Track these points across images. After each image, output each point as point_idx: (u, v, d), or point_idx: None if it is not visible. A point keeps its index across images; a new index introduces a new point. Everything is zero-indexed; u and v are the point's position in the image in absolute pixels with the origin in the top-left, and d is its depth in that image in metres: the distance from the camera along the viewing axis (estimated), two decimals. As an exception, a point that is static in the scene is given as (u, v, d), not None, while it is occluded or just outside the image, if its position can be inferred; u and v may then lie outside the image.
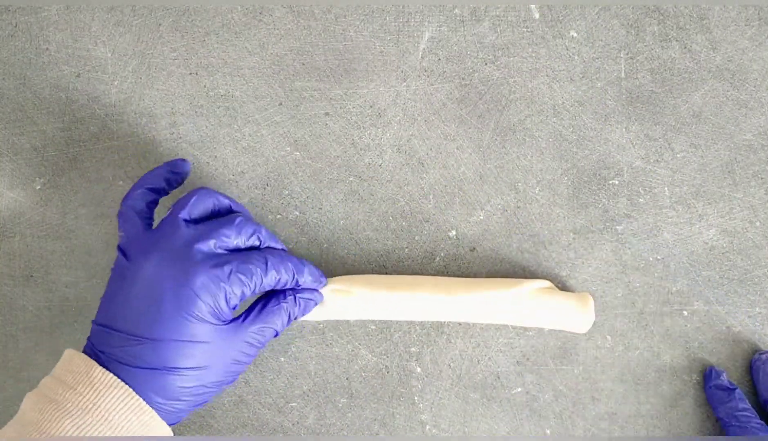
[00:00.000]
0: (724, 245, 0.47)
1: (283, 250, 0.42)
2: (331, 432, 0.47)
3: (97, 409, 0.36)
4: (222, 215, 0.41)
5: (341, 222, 0.48)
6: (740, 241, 0.47)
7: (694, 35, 0.47)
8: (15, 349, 0.48)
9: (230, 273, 0.38)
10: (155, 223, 0.41)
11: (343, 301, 0.44)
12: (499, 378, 0.47)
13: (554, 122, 0.47)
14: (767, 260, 0.47)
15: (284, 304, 0.41)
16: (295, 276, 0.41)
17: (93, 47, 0.48)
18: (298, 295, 0.42)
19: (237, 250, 0.40)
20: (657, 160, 0.47)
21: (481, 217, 0.47)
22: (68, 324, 0.48)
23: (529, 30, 0.47)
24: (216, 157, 0.48)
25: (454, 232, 0.47)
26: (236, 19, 0.48)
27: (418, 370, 0.47)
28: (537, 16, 0.47)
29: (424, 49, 0.48)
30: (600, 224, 0.47)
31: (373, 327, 0.47)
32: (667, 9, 0.47)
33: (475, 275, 0.47)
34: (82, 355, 0.38)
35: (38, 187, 0.48)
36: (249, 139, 0.48)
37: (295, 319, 0.42)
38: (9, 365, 0.48)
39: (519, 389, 0.47)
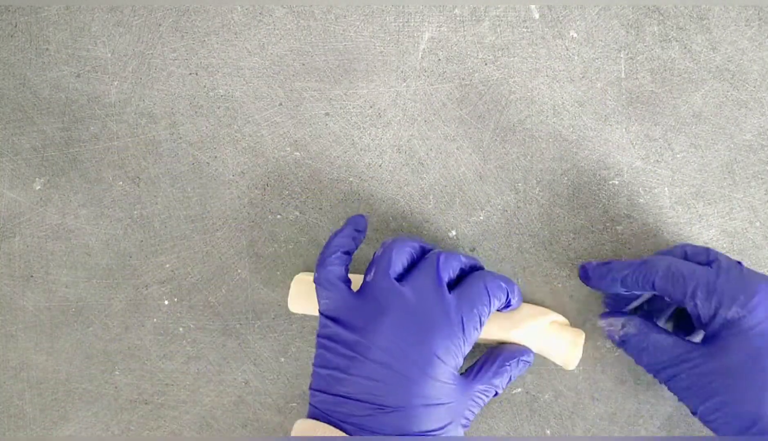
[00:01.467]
0: (724, 245, 0.47)
1: (481, 267, 0.42)
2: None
3: None
4: (418, 258, 0.41)
5: (341, 222, 0.48)
6: (740, 242, 0.47)
7: (694, 35, 0.47)
8: (15, 349, 0.48)
9: (464, 327, 0.38)
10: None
11: None
12: (499, 378, 0.47)
13: (554, 122, 0.47)
14: (767, 260, 0.47)
15: (513, 365, 0.41)
16: (509, 295, 0.41)
17: (93, 47, 0.48)
18: (521, 358, 0.42)
19: (451, 286, 0.40)
20: (657, 161, 0.47)
21: (481, 217, 0.47)
22: (68, 324, 0.48)
23: (529, 30, 0.47)
24: (216, 157, 0.48)
25: (454, 232, 0.47)
26: (236, 20, 0.48)
27: (418, 370, 0.47)
28: (537, 16, 0.47)
29: (424, 49, 0.48)
30: (600, 224, 0.47)
31: (373, 327, 0.47)
32: (667, 9, 0.47)
33: (475, 275, 0.47)
34: (327, 426, 0.37)
35: (38, 187, 0.48)
36: (249, 139, 0.48)
37: (511, 380, 0.42)
38: (9, 365, 0.48)
39: (519, 389, 0.47)
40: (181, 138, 0.48)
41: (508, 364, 0.41)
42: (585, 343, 0.47)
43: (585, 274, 0.44)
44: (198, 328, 0.48)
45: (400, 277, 0.39)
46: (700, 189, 0.47)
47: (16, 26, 0.48)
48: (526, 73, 0.47)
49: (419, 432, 0.37)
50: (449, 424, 0.38)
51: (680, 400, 0.40)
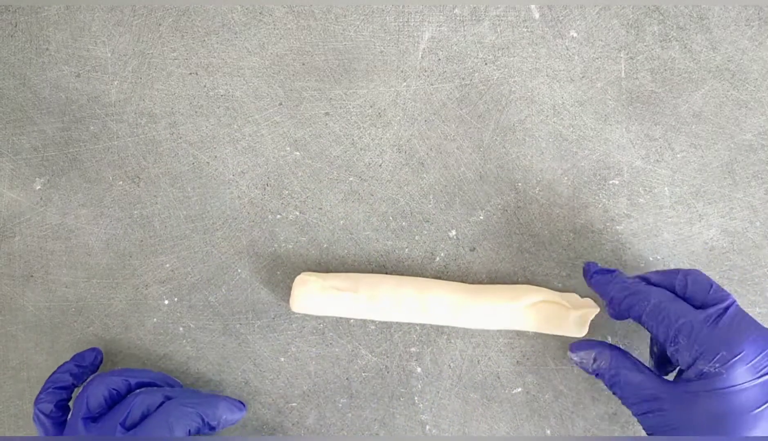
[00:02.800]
0: (724, 245, 0.47)
1: (184, 394, 0.43)
2: (331, 432, 0.47)
3: None
4: (126, 390, 0.43)
5: (341, 222, 0.48)
6: (740, 241, 0.47)
7: (694, 35, 0.47)
8: (15, 349, 0.48)
9: None
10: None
11: (348, 299, 0.44)
12: (499, 378, 0.47)
13: (554, 122, 0.47)
14: (767, 260, 0.47)
15: None
16: (206, 421, 0.42)
17: (93, 47, 0.48)
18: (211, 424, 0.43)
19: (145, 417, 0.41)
20: (657, 160, 0.47)
21: (481, 217, 0.47)
22: (68, 324, 0.48)
23: (529, 30, 0.47)
24: (216, 157, 0.48)
25: (454, 232, 0.47)
26: (236, 19, 0.48)
27: (419, 370, 0.47)
28: (537, 16, 0.47)
29: (424, 49, 0.48)
30: (600, 224, 0.47)
31: (373, 327, 0.47)
32: (667, 9, 0.47)
33: (475, 275, 0.47)
34: None
35: (38, 187, 0.48)
36: (249, 139, 0.48)
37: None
38: (9, 365, 0.48)
39: (519, 389, 0.47)
40: (181, 138, 0.48)
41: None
42: (588, 333, 0.47)
43: (587, 273, 0.44)
44: (198, 328, 0.48)
45: (98, 416, 0.41)
46: (700, 189, 0.47)
47: (16, 26, 0.48)
48: (526, 73, 0.47)
49: None
50: None
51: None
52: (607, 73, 0.47)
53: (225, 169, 0.48)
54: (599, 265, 0.44)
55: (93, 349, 0.46)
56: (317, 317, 0.47)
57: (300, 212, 0.48)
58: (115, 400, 0.42)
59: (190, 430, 0.40)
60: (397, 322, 0.47)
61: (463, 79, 0.48)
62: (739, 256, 0.47)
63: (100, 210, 0.48)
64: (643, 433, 0.46)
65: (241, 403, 0.45)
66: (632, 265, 0.47)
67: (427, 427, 0.47)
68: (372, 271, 0.47)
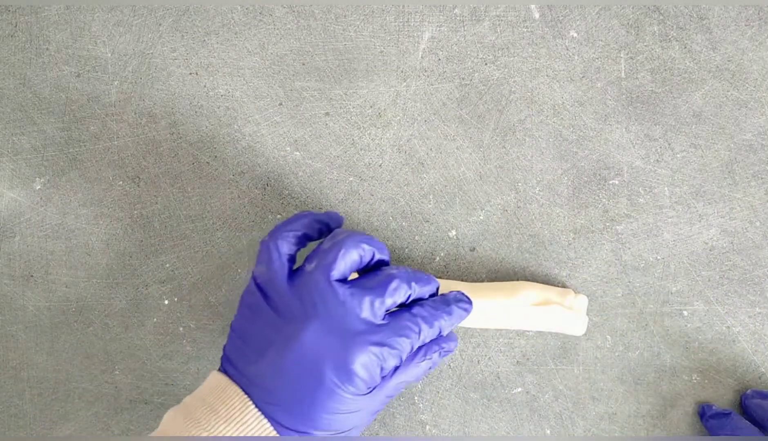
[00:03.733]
0: (724, 245, 0.47)
1: (432, 295, 0.41)
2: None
3: None
4: (369, 266, 0.40)
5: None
6: (740, 241, 0.47)
7: (694, 35, 0.47)
8: (15, 349, 0.48)
9: (387, 349, 0.37)
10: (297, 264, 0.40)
11: None
12: (499, 378, 0.47)
13: (554, 122, 0.47)
14: (767, 260, 0.47)
15: (420, 362, 0.40)
16: (441, 331, 0.40)
17: (93, 47, 0.48)
18: (441, 349, 0.40)
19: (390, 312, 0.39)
20: (657, 160, 0.47)
21: (481, 217, 0.47)
22: (68, 324, 0.48)
23: (529, 30, 0.47)
24: (216, 157, 0.48)
25: (454, 232, 0.47)
26: (236, 19, 0.48)
27: (418, 370, 0.47)
28: (537, 16, 0.47)
29: (424, 49, 0.48)
30: (600, 224, 0.47)
31: (373, 327, 0.47)
32: (667, 9, 0.47)
33: (475, 275, 0.47)
34: (238, 390, 0.37)
35: (38, 187, 0.48)
36: (249, 139, 0.48)
37: (431, 369, 0.41)
38: (9, 365, 0.48)
39: (519, 389, 0.47)
40: (181, 138, 0.48)
41: (428, 358, 0.40)
42: (588, 333, 0.47)
43: (702, 417, 0.46)
44: (198, 327, 0.48)
45: (342, 280, 0.38)
46: (700, 189, 0.47)
47: (16, 26, 0.48)
48: (526, 73, 0.47)
49: (324, 431, 0.37)
50: (355, 427, 0.38)
51: None
52: (607, 73, 0.47)
53: (225, 169, 0.48)
54: (706, 404, 0.46)
55: (340, 216, 0.42)
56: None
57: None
58: (359, 266, 0.39)
59: (428, 338, 0.39)
60: (397, 322, 0.47)
61: (463, 79, 0.48)
62: (739, 256, 0.47)
63: (100, 210, 0.48)
64: (643, 433, 0.46)
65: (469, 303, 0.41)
66: (632, 265, 0.47)
67: (427, 427, 0.47)
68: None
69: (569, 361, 0.47)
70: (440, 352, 0.40)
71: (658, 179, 0.47)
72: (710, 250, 0.47)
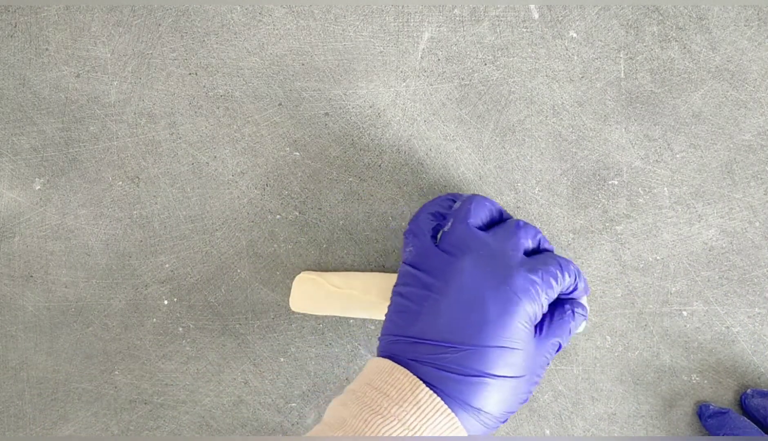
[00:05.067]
0: (724, 245, 0.47)
1: (553, 250, 0.41)
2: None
3: (421, 432, 0.35)
4: (496, 221, 0.41)
5: (340, 222, 0.48)
6: (740, 242, 0.47)
7: (694, 35, 0.47)
8: (15, 349, 0.48)
9: (542, 276, 0.37)
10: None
11: (348, 298, 0.45)
12: (498, 378, 0.47)
13: (554, 122, 0.47)
14: (767, 260, 0.47)
15: (566, 317, 0.39)
16: (577, 281, 0.40)
17: (93, 47, 0.48)
18: (575, 309, 0.40)
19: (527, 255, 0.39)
20: (656, 161, 0.47)
21: (481, 218, 0.47)
22: (68, 324, 0.48)
23: (528, 30, 0.47)
24: (216, 157, 0.48)
25: (453, 233, 0.47)
26: (236, 20, 0.48)
27: (418, 370, 0.47)
28: (536, 16, 0.47)
29: (423, 49, 0.48)
30: (599, 224, 0.47)
31: (373, 327, 0.47)
32: (667, 9, 0.47)
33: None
34: (405, 370, 0.36)
35: (38, 187, 0.48)
36: (248, 139, 0.48)
37: (571, 334, 0.40)
38: (9, 365, 0.48)
39: (518, 389, 0.47)
40: (180, 138, 0.48)
41: (566, 315, 0.39)
42: (587, 333, 0.47)
43: (701, 417, 0.46)
44: (198, 328, 0.48)
45: (480, 228, 0.39)
46: (699, 189, 0.47)
47: (16, 26, 0.49)
48: (525, 73, 0.47)
49: (494, 374, 0.35)
50: (523, 376, 0.36)
51: None
52: (607, 74, 0.47)
53: (224, 169, 0.48)
54: (704, 404, 0.46)
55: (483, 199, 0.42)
56: (317, 317, 0.47)
57: (299, 212, 0.48)
58: (489, 222, 0.40)
59: (569, 285, 0.39)
60: (396, 323, 0.47)
61: (462, 79, 0.48)
62: (738, 256, 0.47)
63: (100, 210, 0.48)
64: (643, 433, 0.46)
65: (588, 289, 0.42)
66: (632, 265, 0.47)
67: (427, 427, 0.47)
68: (372, 272, 0.47)
69: (569, 361, 0.47)
70: (573, 312, 0.40)
71: (657, 179, 0.47)
72: (710, 251, 0.47)
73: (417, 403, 0.35)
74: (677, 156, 0.47)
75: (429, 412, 0.35)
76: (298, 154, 0.48)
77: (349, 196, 0.48)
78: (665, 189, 0.47)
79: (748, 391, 0.45)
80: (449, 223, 0.39)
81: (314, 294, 0.45)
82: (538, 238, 0.40)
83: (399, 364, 0.37)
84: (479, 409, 0.35)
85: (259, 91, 0.48)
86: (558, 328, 0.39)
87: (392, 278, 0.45)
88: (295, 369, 0.47)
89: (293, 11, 0.48)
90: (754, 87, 0.47)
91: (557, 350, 0.39)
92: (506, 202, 0.47)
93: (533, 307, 0.36)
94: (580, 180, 0.47)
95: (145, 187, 0.48)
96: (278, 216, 0.48)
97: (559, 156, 0.47)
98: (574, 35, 0.47)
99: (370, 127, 0.48)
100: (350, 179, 0.48)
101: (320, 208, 0.48)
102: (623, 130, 0.47)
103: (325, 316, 0.47)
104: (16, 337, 0.48)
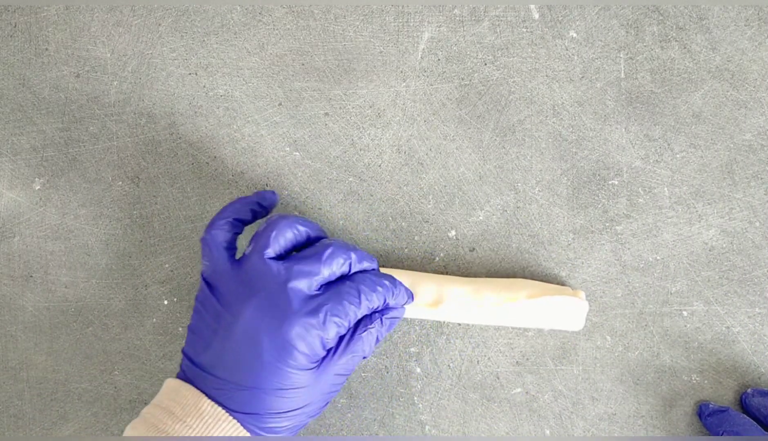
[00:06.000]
0: (724, 245, 0.47)
1: (373, 269, 0.41)
2: (330, 432, 0.47)
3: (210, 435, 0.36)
4: (303, 244, 0.40)
5: (340, 222, 0.48)
6: (740, 242, 0.47)
7: (694, 35, 0.47)
8: (14, 349, 0.48)
9: (325, 318, 0.37)
10: (238, 253, 0.41)
11: None
12: (498, 378, 0.47)
13: (554, 122, 0.47)
14: (767, 260, 0.47)
15: (371, 330, 0.40)
16: (386, 300, 0.40)
17: (92, 47, 0.48)
18: (384, 317, 0.41)
19: (329, 282, 0.39)
20: (657, 161, 0.47)
21: (481, 218, 0.47)
22: (68, 324, 0.48)
23: (528, 30, 0.47)
24: (215, 157, 0.48)
25: (453, 233, 0.47)
26: (236, 20, 0.48)
27: (418, 370, 0.47)
28: (536, 16, 0.47)
29: (423, 49, 0.48)
30: (599, 224, 0.47)
31: (373, 327, 0.47)
32: (667, 9, 0.47)
33: (475, 275, 0.47)
34: (190, 387, 0.38)
35: (37, 187, 0.48)
36: (248, 139, 0.48)
37: (378, 341, 0.41)
38: (8, 365, 0.48)
39: (518, 389, 0.47)
40: (180, 138, 0.48)
41: (370, 327, 0.40)
42: (587, 333, 0.47)
43: (701, 416, 0.46)
44: (197, 328, 0.48)
45: (279, 259, 0.39)
46: (699, 189, 0.47)
47: (15, 26, 0.48)
48: (525, 73, 0.47)
49: (273, 412, 0.37)
50: (307, 405, 0.38)
51: None
52: (607, 74, 0.47)
53: (224, 169, 0.48)
54: (703, 403, 0.46)
55: (271, 192, 0.43)
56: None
57: (299, 213, 0.48)
58: (295, 246, 0.40)
59: (371, 306, 0.39)
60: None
61: (462, 79, 0.48)
62: (738, 257, 0.47)
63: (100, 210, 0.48)
64: (643, 433, 0.46)
65: (411, 296, 0.43)
66: (632, 265, 0.47)
67: (427, 427, 0.47)
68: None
69: (569, 361, 0.47)
70: (382, 321, 0.41)
71: (657, 179, 0.47)
72: (710, 251, 0.47)
73: (200, 414, 0.36)
74: (677, 156, 0.47)
75: (212, 421, 0.36)
76: (298, 154, 0.48)
77: (348, 196, 0.48)
78: (665, 189, 0.47)
79: (749, 390, 0.45)
80: (250, 247, 0.39)
81: None
82: (348, 263, 0.39)
83: (191, 382, 0.38)
84: (269, 429, 0.37)
85: (259, 91, 0.48)
86: (357, 343, 0.39)
87: (394, 275, 0.45)
88: (295, 369, 0.47)
89: (293, 11, 0.48)
90: (754, 87, 0.47)
91: (363, 358, 0.40)
92: (506, 202, 0.47)
93: (312, 349, 0.37)
94: (580, 180, 0.47)
95: (145, 187, 0.48)
96: (278, 216, 0.48)
97: (559, 156, 0.47)
98: (574, 35, 0.47)
99: (370, 127, 0.48)
100: (350, 179, 0.48)
101: (320, 208, 0.48)
102: (623, 130, 0.47)
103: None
104: (16, 337, 0.48)
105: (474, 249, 0.47)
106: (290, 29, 0.48)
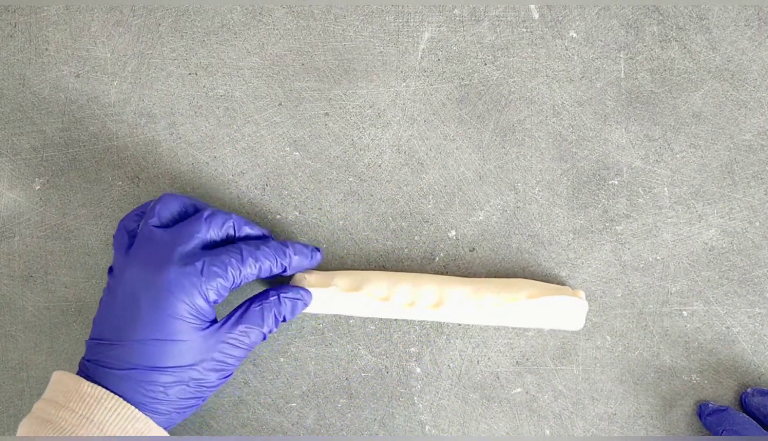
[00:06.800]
0: (724, 245, 0.47)
1: (263, 235, 0.42)
2: (330, 432, 0.47)
3: (90, 423, 0.36)
4: (190, 214, 0.42)
5: (340, 222, 0.48)
6: (740, 242, 0.47)
7: (694, 35, 0.47)
8: (14, 349, 0.48)
9: (203, 268, 0.38)
10: None
11: (346, 295, 0.44)
12: (498, 378, 0.47)
13: (554, 122, 0.47)
14: (767, 260, 0.47)
15: (266, 305, 0.41)
16: (279, 260, 0.41)
17: (92, 47, 0.48)
18: (282, 295, 0.42)
19: (214, 246, 0.40)
20: (656, 161, 0.47)
21: (481, 218, 0.47)
22: (68, 324, 0.48)
23: (528, 30, 0.47)
24: (215, 157, 0.48)
25: (453, 233, 0.47)
26: (236, 20, 0.48)
27: (418, 370, 0.47)
28: (536, 16, 0.47)
29: (423, 49, 0.48)
30: (599, 224, 0.47)
31: (373, 327, 0.47)
32: (667, 9, 0.47)
33: (475, 275, 0.47)
34: (70, 374, 0.39)
35: (37, 187, 0.48)
36: (248, 139, 0.48)
37: (284, 320, 0.42)
38: (9, 365, 0.48)
39: (518, 389, 0.47)
40: (180, 138, 0.48)
41: (265, 302, 0.41)
42: (587, 333, 0.47)
43: (701, 415, 0.45)
44: (197, 328, 0.48)
45: (166, 228, 0.40)
46: (699, 189, 0.47)
47: (15, 26, 0.48)
48: (525, 73, 0.47)
49: (154, 366, 0.37)
50: (194, 364, 0.38)
51: None
52: (607, 74, 0.47)
53: (224, 169, 0.48)
54: (703, 403, 0.46)
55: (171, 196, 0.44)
56: (316, 317, 0.47)
57: (299, 212, 0.48)
58: (182, 217, 0.41)
59: (261, 266, 0.40)
60: (396, 322, 0.47)
61: (462, 79, 0.48)
62: (738, 257, 0.47)
63: (100, 210, 0.48)
64: (643, 433, 0.46)
65: (316, 248, 0.44)
66: (632, 265, 0.47)
67: (427, 427, 0.47)
68: (372, 270, 0.47)
69: (569, 361, 0.47)
70: (279, 298, 0.42)
71: (657, 179, 0.47)
72: (710, 251, 0.47)
73: (81, 397, 0.37)
74: (677, 156, 0.47)
75: (92, 401, 0.37)
76: (298, 154, 0.48)
77: (348, 196, 0.48)
78: (665, 189, 0.47)
79: (749, 389, 0.45)
80: (140, 223, 0.41)
81: (315, 293, 0.45)
82: (225, 227, 0.41)
83: (81, 375, 0.39)
84: (151, 398, 0.38)
85: (259, 91, 0.48)
86: (251, 316, 0.40)
87: (395, 277, 0.45)
88: (295, 369, 0.47)
89: (293, 11, 0.48)
90: (754, 87, 0.47)
91: (263, 338, 0.41)
92: (506, 202, 0.47)
93: (191, 298, 0.38)
94: (580, 180, 0.47)
95: (145, 187, 0.48)
96: (278, 216, 0.48)
97: (559, 156, 0.47)
98: (574, 35, 0.47)
99: (370, 127, 0.48)
100: (350, 179, 0.48)
101: (320, 208, 0.48)
102: (623, 130, 0.47)
103: (324, 316, 0.47)
104: (15, 337, 0.48)
105: (474, 249, 0.47)
106: (290, 29, 0.48)
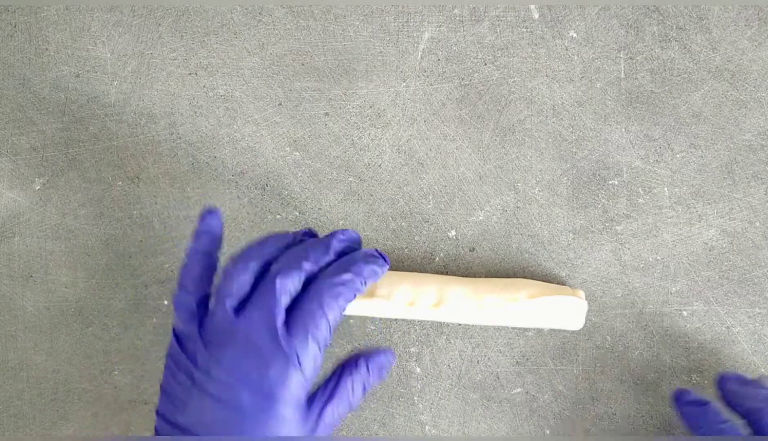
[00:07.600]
0: (724, 245, 0.47)
1: (339, 254, 0.39)
2: (330, 432, 0.47)
3: None
4: (259, 277, 0.39)
5: (340, 222, 0.48)
6: (740, 242, 0.47)
7: (694, 35, 0.47)
8: (14, 349, 0.48)
9: (297, 358, 0.36)
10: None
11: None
12: (498, 378, 0.47)
13: (554, 122, 0.47)
14: (767, 260, 0.47)
15: (356, 377, 0.38)
16: (355, 294, 0.38)
17: (92, 47, 0.48)
18: (369, 364, 0.39)
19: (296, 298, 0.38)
20: (657, 161, 0.47)
21: (481, 218, 0.47)
22: (68, 324, 0.48)
23: (528, 30, 0.47)
24: (215, 157, 0.48)
25: (453, 233, 0.47)
26: (236, 20, 0.48)
27: (418, 370, 0.47)
28: (536, 16, 0.47)
29: (423, 49, 0.48)
30: (600, 224, 0.47)
31: (373, 327, 0.47)
32: (667, 9, 0.47)
33: (475, 275, 0.47)
34: None
35: (37, 187, 0.48)
36: (248, 139, 0.48)
37: (370, 387, 0.39)
38: (8, 365, 0.48)
39: (518, 389, 0.47)
40: (180, 138, 0.48)
41: (355, 373, 0.38)
42: (587, 333, 0.47)
43: (678, 402, 0.43)
44: (197, 328, 0.48)
45: (243, 303, 0.37)
46: (699, 189, 0.47)
47: (15, 26, 0.49)
48: (525, 73, 0.47)
49: None
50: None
51: None
52: (607, 74, 0.47)
53: (224, 169, 0.48)
54: (681, 388, 0.44)
55: (214, 217, 0.39)
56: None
57: (299, 213, 0.48)
58: (256, 282, 0.38)
59: (342, 309, 0.37)
60: (396, 322, 0.47)
61: (462, 79, 0.48)
62: (738, 257, 0.47)
63: (100, 210, 0.48)
64: (642, 433, 0.46)
65: (382, 256, 0.40)
66: (632, 265, 0.47)
67: (427, 427, 0.47)
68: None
69: (569, 361, 0.47)
70: (368, 368, 0.39)
71: (657, 179, 0.47)
72: (710, 251, 0.47)
73: None
74: (677, 156, 0.47)
75: None
76: (298, 154, 0.48)
77: (349, 196, 0.48)
78: (665, 189, 0.47)
79: (729, 374, 0.43)
80: (212, 303, 0.38)
81: None
82: (302, 276, 0.38)
83: None
84: None
85: (259, 91, 0.48)
86: (337, 400, 0.38)
87: (395, 276, 0.45)
88: (295, 369, 0.47)
89: (293, 11, 0.48)
90: (754, 87, 0.47)
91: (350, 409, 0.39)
92: (506, 202, 0.47)
93: (295, 393, 0.36)
94: (580, 180, 0.47)
95: (145, 187, 0.48)
96: (278, 216, 0.48)
97: (559, 156, 0.47)
98: (574, 35, 0.47)
99: (370, 127, 0.48)
100: (350, 179, 0.48)
101: (320, 208, 0.48)
102: (623, 130, 0.47)
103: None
104: (16, 337, 0.48)
105: (474, 249, 0.47)
106: (290, 29, 0.48)
